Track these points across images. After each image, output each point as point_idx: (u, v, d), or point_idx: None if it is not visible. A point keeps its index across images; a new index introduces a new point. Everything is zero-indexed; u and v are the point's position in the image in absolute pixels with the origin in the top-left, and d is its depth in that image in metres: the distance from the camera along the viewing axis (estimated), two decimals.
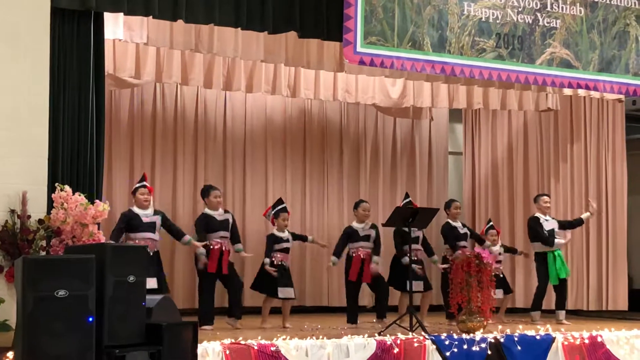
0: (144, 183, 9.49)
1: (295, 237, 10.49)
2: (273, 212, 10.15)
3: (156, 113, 11.98)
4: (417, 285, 10.13)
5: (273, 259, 9.96)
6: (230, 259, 9.81)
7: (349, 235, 10.32)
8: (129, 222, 9.13)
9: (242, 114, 12.58)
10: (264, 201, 12.26)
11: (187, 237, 9.57)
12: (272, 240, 10.03)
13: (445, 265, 10.53)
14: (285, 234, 10.11)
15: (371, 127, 13.56)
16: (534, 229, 11.04)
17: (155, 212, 9.39)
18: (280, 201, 10.34)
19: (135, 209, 9.26)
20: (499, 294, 10.53)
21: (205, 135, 12.29)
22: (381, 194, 13.27)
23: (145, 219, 9.19)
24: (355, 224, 10.39)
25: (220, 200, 9.94)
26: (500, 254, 11.02)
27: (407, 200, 10.93)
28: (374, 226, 10.40)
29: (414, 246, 10.02)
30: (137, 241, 9.02)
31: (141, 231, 9.13)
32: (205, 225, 9.72)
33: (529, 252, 11.49)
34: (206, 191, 10.04)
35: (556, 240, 10.92)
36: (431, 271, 12.25)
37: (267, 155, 12.71)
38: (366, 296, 11.34)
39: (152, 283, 8.75)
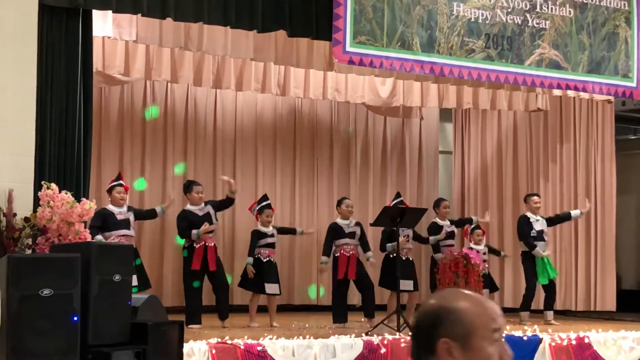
0: (121, 182, 9.56)
1: (283, 231, 10.52)
2: (257, 207, 10.13)
3: (146, 110, 11.96)
4: (406, 285, 10.11)
5: (259, 255, 9.94)
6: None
7: (335, 231, 10.21)
8: (104, 221, 9.15)
9: (232, 112, 12.57)
10: (254, 199, 12.25)
11: (159, 208, 9.82)
12: (257, 235, 10.00)
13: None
14: (270, 229, 10.09)
15: (361, 126, 13.55)
16: (522, 229, 11.02)
17: (129, 209, 9.48)
18: (265, 197, 10.32)
19: (110, 207, 9.35)
20: (484, 293, 10.52)
21: (195, 133, 12.27)
22: (371, 193, 13.26)
23: (120, 217, 9.29)
24: (339, 221, 10.31)
25: (202, 196, 9.94)
26: (484, 253, 11.00)
27: (399, 199, 10.88)
28: (358, 223, 10.37)
29: (404, 246, 10.02)
30: (113, 239, 9.10)
31: (116, 229, 9.19)
32: (187, 222, 9.71)
33: (517, 250, 11.48)
34: (188, 186, 10.05)
35: (537, 249, 10.85)
36: (421, 271, 12.26)
37: (257, 153, 12.70)
38: (355, 295, 11.32)
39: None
